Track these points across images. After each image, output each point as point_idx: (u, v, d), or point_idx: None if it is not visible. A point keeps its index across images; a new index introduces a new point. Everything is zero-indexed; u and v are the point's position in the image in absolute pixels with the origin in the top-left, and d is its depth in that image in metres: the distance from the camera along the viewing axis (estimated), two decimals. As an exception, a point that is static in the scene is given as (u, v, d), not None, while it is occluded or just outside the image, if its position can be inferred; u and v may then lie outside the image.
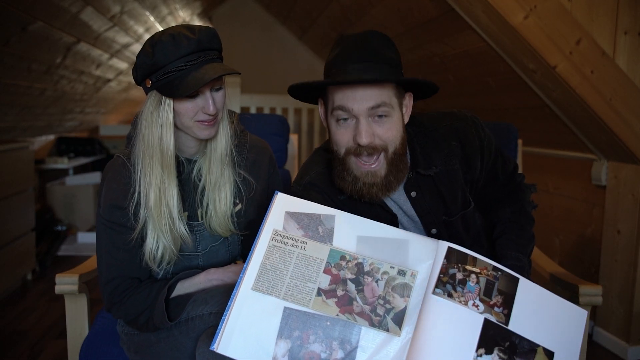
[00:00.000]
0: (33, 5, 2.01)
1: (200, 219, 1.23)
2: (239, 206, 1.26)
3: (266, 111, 4.21)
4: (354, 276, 0.94)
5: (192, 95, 1.10)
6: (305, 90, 1.18)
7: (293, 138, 1.95)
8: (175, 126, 1.15)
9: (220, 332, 0.88)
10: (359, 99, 1.06)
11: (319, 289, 0.92)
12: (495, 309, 0.92)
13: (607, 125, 1.94)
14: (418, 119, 1.26)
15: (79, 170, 4.39)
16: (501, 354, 0.89)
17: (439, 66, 2.76)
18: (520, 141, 1.78)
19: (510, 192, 1.29)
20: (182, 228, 1.17)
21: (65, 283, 1.33)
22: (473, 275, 0.94)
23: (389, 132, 1.09)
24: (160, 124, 1.11)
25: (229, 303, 0.90)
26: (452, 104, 3.09)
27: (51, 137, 4.18)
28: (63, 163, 3.81)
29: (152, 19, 3.35)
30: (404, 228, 1.23)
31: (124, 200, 1.15)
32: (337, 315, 0.90)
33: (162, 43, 1.06)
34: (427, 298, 0.91)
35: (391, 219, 1.21)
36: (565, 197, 2.51)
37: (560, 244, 2.57)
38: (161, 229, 1.14)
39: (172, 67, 1.06)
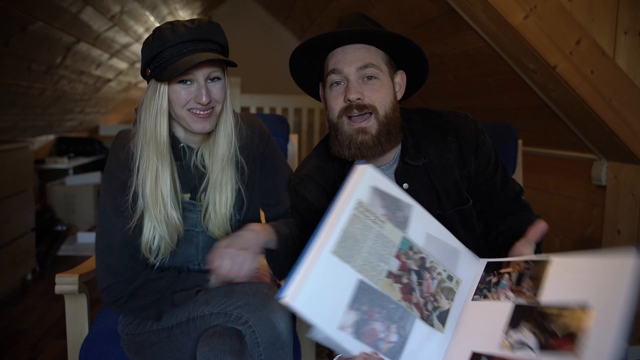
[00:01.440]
0: (33, 5, 2.01)
1: (200, 200, 1.23)
2: (237, 216, 1.26)
3: (266, 111, 4.21)
4: (417, 269, 0.96)
5: (185, 80, 1.10)
6: (310, 74, 1.24)
7: (293, 138, 1.95)
8: (172, 118, 1.16)
9: (293, 285, 0.84)
10: (349, 60, 1.13)
11: (389, 271, 0.93)
12: (526, 292, 0.92)
13: (607, 125, 1.94)
14: (420, 109, 1.29)
15: (79, 170, 4.39)
16: (528, 324, 0.85)
17: (439, 66, 2.76)
18: (520, 141, 1.78)
19: (517, 210, 1.29)
20: (174, 216, 1.16)
21: (65, 283, 1.33)
22: (506, 275, 0.97)
23: (377, 92, 1.14)
24: (155, 110, 1.12)
25: (302, 258, 0.87)
26: (452, 104, 3.09)
27: (51, 137, 4.18)
28: (63, 163, 3.81)
29: (152, 19, 3.35)
30: None
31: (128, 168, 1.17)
32: (399, 300, 0.92)
33: (160, 31, 1.08)
34: (467, 305, 0.96)
35: None
36: (565, 197, 2.51)
37: (560, 244, 2.57)
38: (156, 218, 1.14)
39: (167, 52, 1.08)
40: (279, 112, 4.17)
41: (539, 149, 2.63)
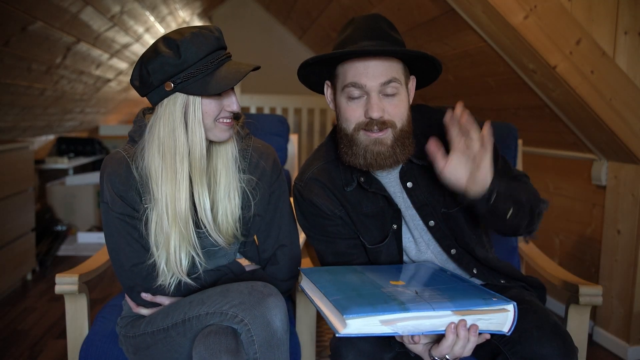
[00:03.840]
0: (33, 5, 2.01)
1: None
2: (242, 212, 1.25)
3: (266, 111, 4.21)
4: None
5: (218, 93, 1.10)
6: (316, 70, 1.22)
7: (293, 138, 1.95)
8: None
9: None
10: (371, 75, 1.11)
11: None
12: None
13: (607, 125, 1.94)
14: (417, 105, 1.28)
15: (79, 170, 4.39)
16: None
17: (439, 66, 2.76)
18: (520, 141, 1.78)
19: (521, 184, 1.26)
20: (193, 236, 1.17)
21: (65, 283, 1.33)
22: None
23: (397, 108, 1.14)
24: (193, 124, 1.10)
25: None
26: (452, 104, 3.08)
27: (51, 137, 4.18)
28: (63, 163, 3.81)
29: (152, 19, 3.35)
30: (407, 222, 1.24)
31: (129, 191, 1.15)
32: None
33: (187, 42, 1.05)
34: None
35: (394, 214, 1.22)
36: (565, 197, 2.51)
37: (560, 244, 2.57)
38: (186, 241, 1.15)
39: (200, 64, 1.06)
40: (279, 112, 4.18)
41: (539, 149, 2.63)
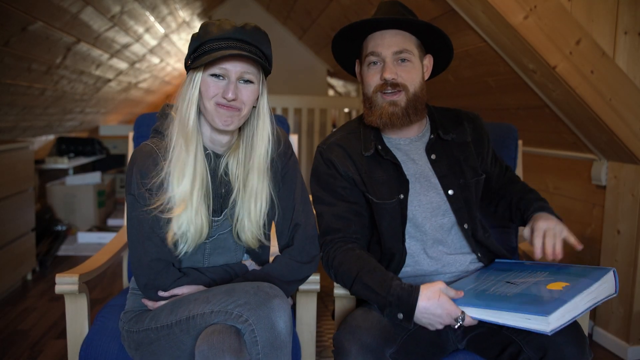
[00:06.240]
0: (33, 5, 2.01)
1: (221, 214, 1.24)
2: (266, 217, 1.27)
3: (266, 111, 4.20)
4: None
5: (218, 75, 1.14)
6: (352, 54, 1.42)
7: (293, 138, 1.95)
8: (202, 115, 1.19)
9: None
10: (387, 45, 1.31)
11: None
12: None
13: (607, 125, 1.94)
14: (439, 107, 1.48)
15: (79, 170, 4.39)
16: None
17: (439, 66, 2.76)
18: (520, 141, 1.78)
19: (512, 177, 1.52)
20: (202, 212, 1.18)
21: (65, 283, 1.33)
22: None
23: (409, 73, 1.32)
24: (187, 99, 1.16)
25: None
26: (452, 104, 3.08)
27: (51, 137, 4.18)
28: (63, 163, 3.81)
29: (152, 19, 3.35)
30: (417, 192, 1.35)
31: (156, 183, 1.17)
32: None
33: (207, 25, 1.15)
34: None
35: (402, 185, 1.33)
36: (565, 197, 2.51)
37: (560, 244, 2.56)
38: (186, 210, 1.17)
39: (209, 44, 1.13)
40: (279, 112, 4.18)
41: (539, 149, 2.63)
